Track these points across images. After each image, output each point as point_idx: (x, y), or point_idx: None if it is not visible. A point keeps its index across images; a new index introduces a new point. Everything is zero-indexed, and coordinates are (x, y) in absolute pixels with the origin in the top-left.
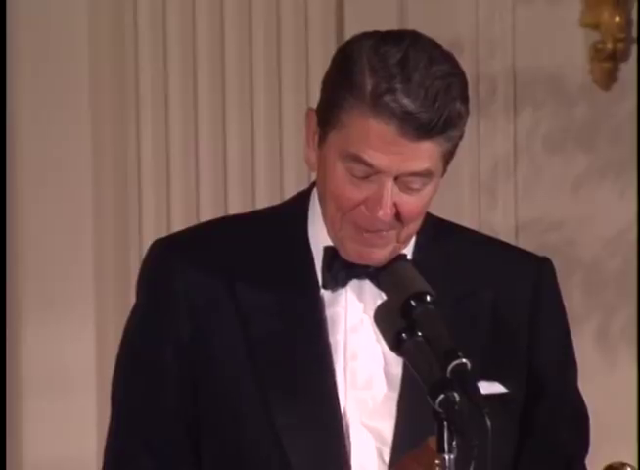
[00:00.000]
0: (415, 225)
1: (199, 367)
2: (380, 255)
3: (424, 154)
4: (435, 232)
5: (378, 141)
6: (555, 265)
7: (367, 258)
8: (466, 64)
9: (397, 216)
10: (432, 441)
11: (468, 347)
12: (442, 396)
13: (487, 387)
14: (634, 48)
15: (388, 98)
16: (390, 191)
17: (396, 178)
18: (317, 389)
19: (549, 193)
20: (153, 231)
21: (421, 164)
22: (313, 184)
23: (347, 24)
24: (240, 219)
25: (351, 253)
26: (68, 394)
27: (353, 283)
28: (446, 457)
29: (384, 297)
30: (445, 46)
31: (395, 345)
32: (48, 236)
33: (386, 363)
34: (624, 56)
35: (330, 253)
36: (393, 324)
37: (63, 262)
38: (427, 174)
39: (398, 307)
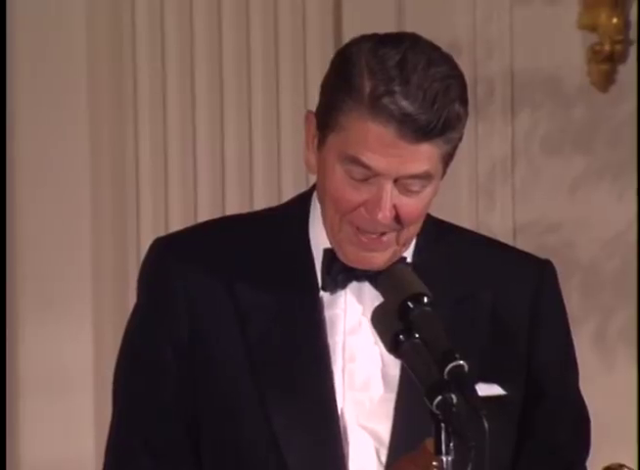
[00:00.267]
0: (415, 228)
1: (198, 367)
2: (379, 260)
3: (423, 156)
4: (435, 233)
5: (376, 143)
6: None
7: (367, 264)
8: (463, 65)
9: (397, 219)
10: (429, 442)
11: (467, 348)
12: (440, 397)
13: (486, 389)
14: (632, 50)
15: (386, 100)
16: (390, 193)
17: (396, 181)
18: (315, 390)
19: (547, 195)
20: (151, 231)
21: (420, 167)
22: (314, 186)
23: (345, 26)
24: (240, 220)
25: (350, 257)
26: (65, 394)
27: (353, 285)
28: (444, 459)
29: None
30: (443, 48)
31: (393, 347)
32: (46, 236)
33: (384, 365)
34: (622, 58)
35: (330, 255)
36: (391, 326)
37: (60, 263)
38: (426, 176)
39: (395, 309)
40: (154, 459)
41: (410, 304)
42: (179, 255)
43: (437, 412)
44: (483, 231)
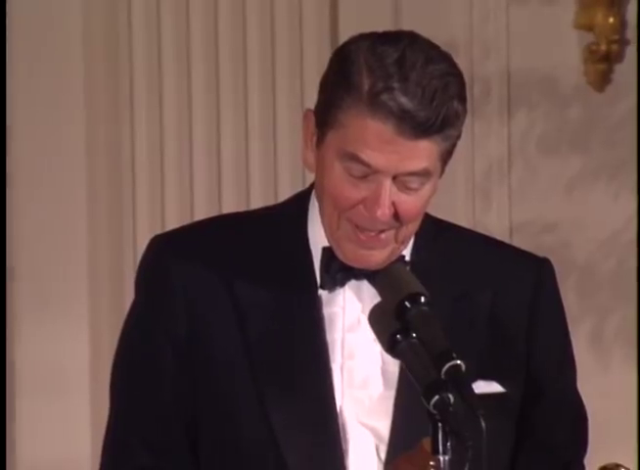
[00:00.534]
0: (414, 226)
1: (196, 366)
2: (378, 258)
3: (422, 153)
4: (434, 232)
5: (375, 140)
6: None
7: (365, 262)
8: (460, 65)
9: (396, 216)
10: (426, 442)
11: (465, 347)
12: (437, 397)
13: (485, 386)
14: (628, 49)
15: (385, 97)
16: (389, 190)
17: (394, 178)
18: (314, 388)
19: (543, 195)
20: (147, 231)
21: (419, 164)
22: (312, 185)
23: (342, 25)
24: (238, 218)
25: (348, 255)
26: (62, 393)
27: (351, 283)
28: (441, 459)
29: None
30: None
31: (390, 346)
32: (42, 236)
33: (383, 362)
34: (618, 57)
35: (328, 253)
36: (388, 326)
37: (57, 262)
38: (425, 174)
39: (393, 309)
40: (152, 459)
41: (407, 303)
42: (178, 252)
43: (435, 412)
44: (480, 231)
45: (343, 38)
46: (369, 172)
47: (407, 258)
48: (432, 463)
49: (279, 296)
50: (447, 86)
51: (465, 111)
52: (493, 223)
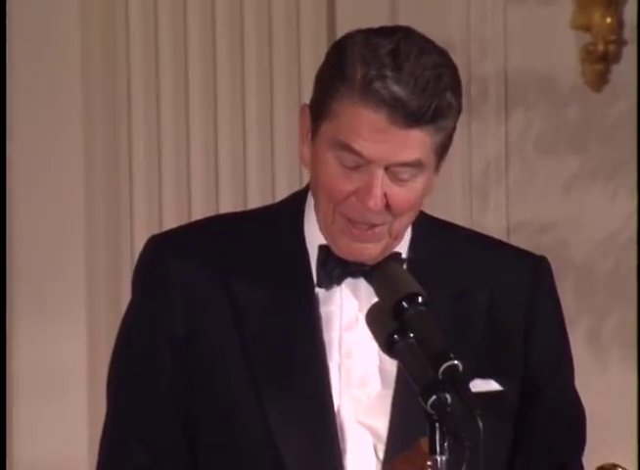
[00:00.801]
0: (407, 219)
1: (193, 365)
2: (372, 251)
3: (414, 143)
4: (430, 230)
5: (368, 130)
6: None
7: (359, 255)
8: (458, 65)
9: (388, 208)
10: (423, 442)
11: (463, 346)
12: (434, 397)
13: (482, 385)
14: (625, 50)
15: (377, 85)
16: (381, 181)
17: (387, 169)
18: (311, 387)
19: (541, 194)
20: (144, 231)
21: (411, 154)
22: (309, 185)
23: (339, 25)
24: (236, 217)
25: (343, 249)
26: (59, 393)
27: (348, 281)
28: (438, 458)
29: None
30: None
31: (387, 346)
32: (40, 236)
33: (380, 361)
34: (616, 58)
35: (324, 251)
36: (385, 326)
37: (55, 262)
38: (417, 165)
39: (390, 309)
40: (149, 459)
41: (405, 303)
42: (175, 252)
43: (432, 412)
44: (477, 230)
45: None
46: (361, 163)
47: (404, 256)
48: (429, 463)
49: (276, 295)
50: (440, 77)
51: (459, 104)
52: (491, 223)
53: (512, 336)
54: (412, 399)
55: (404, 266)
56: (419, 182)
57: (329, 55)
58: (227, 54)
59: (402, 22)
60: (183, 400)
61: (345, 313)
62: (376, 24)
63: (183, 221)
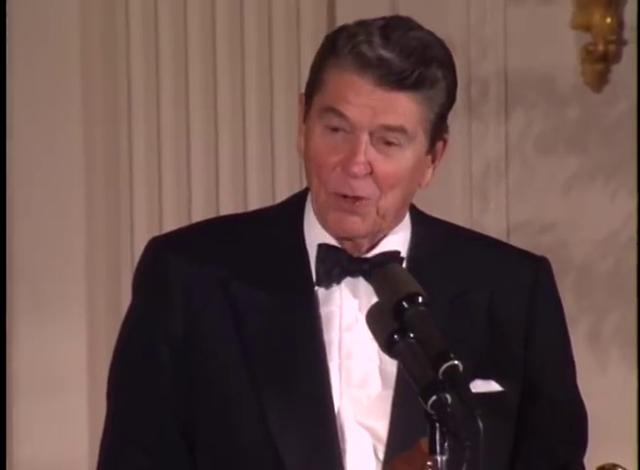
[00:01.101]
0: (393, 197)
1: (194, 367)
2: (360, 226)
3: (398, 109)
4: (430, 230)
5: (352, 92)
6: None
7: (348, 229)
8: (457, 65)
9: (374, 179)
10: (423, 442)
11: (463, 346)
12: (434, 397)
13: (483, 385)
14: (625, 50)
15: (364, 47)
16: (364, 146)
17: (372, 135)
18: (311, 388)
19: (541, 194)
20: (145, 232)
21: (396, 119)
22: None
23: (339, 25)
24: (236, 219)
25: (332, 224)
26: (59, 394)
27: (348, 281)
28: (438, 459)
29: None
30: None
31: (387, 346)
32: (40, 236)
33: (381, 362)
34: (616, 58)
35: (324, 249)
36: (385, 326)
37: (55, 263)
38: (402, 131)
39: (390, 309)
40: (148, 459)
41: (405, 303)
42: (176, 254)
43: (432, 412)
44: (477, 231)
45: None
46: (346, 127)
47: (403, 254)
48: (429, 463)
49: (276, 296)
50: (427, 49)
51: (449, 83)
52: (491, 223)
53: (512, 336)
54: (412, 400)
55: (404, 266)
56: (406, 156)
57: (323, 41)
58: (227, 54)
59: None
60: (183, 402)
61: (345, 314)
62: None
63: (183, 222)
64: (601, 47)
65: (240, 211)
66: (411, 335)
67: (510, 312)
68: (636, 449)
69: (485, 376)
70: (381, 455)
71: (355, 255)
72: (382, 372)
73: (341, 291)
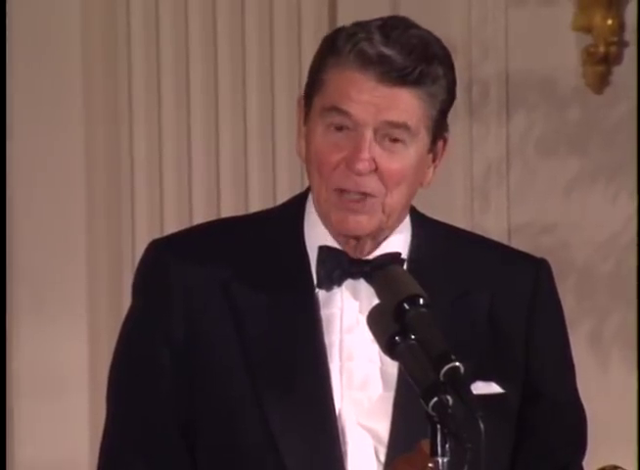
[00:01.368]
0: (398, 195)
1: (194, 369)
2: (365, 225)
3: (400, 105)
4: (431, 232)
5: (356, 91)
6: None
7: (353, 228)
8: (458, 67)
9: (379, 176)
10: (425, 444)
11: (464, 348)
12: (435, 399)
13: (484, 387)
14: (627, 51)
15: (364, 45)
16: (369, 143)
17: (376, 132)
18: (312, 390)
19: (542, 196)
20: (145, 233)
21: (399, 115)
22: (309, 188)
23: (340, 25)
24: (236, 221)
25: (337, 222)
26: (60, 395)
27: (348, 283)
28: (439, 460)
29: None
30: None
31: (389, 348)
32: (41, 236)
33: (382, 363)
34: (617, 59)
35: (325, 251)
36: (386, 328)
37: (56, 264)
38: (405, 128)
39: (391, 311)
40: (149, 462)
41: (406, 305)
42: (176, 255)
43: (433, 414)
44: (478, 232)
45: None
46: (349, 124)
47: (404, 256)
48: (430, 465)
49: (277, 297)
50: (427, 46)
51: (449, 82)
52: (492, 225)
53: (513, 338)
54: (414, 402)
55: (405, 268)
56: (409, 154)
57: (321, 43)
58: (228, 54)
59: None
60: (183, 404)
61: (346, 316)
62: None
63: (184, 223)
64: (602, 49)
65: (241, 211)
66: (412, 336)
67: (510, 314)
68: (636, 451)
69: (486, 378)
70: (382, 457)
71: (356, 256)
72: (383, 374)
73: (341, 293)
